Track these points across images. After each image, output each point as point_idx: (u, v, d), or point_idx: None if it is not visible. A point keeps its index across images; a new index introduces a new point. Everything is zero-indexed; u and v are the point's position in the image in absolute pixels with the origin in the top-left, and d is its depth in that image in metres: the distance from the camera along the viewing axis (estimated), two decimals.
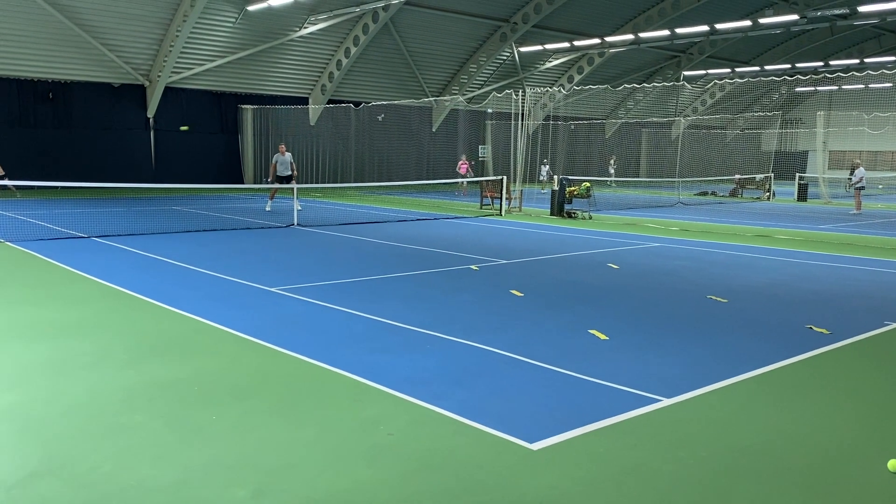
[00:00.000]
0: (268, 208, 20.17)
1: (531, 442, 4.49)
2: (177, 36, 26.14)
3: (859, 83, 39.27)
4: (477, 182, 25.13)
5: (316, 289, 9.11)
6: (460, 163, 29.90)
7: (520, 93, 22.75)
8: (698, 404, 5.26)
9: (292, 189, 18.73)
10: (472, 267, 11.12)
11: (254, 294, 8.79)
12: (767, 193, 30.16)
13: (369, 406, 5.09)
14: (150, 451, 4.28)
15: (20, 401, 5.04)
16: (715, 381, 5.74)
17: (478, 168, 36.18)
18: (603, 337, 7.01)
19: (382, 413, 4.96)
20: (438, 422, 4.82)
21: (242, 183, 30.74)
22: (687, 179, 33.57)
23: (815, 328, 7.49)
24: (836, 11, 28.36)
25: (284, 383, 5.57)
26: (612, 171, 37.36)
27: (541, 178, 32.05)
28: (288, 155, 20.19)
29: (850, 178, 23.81)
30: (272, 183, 20.26)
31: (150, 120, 28.74)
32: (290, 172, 20.06)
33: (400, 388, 5.41)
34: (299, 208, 17.52)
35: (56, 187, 24.31)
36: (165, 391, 5.31)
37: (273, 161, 20.15)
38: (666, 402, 5.26)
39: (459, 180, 28.83)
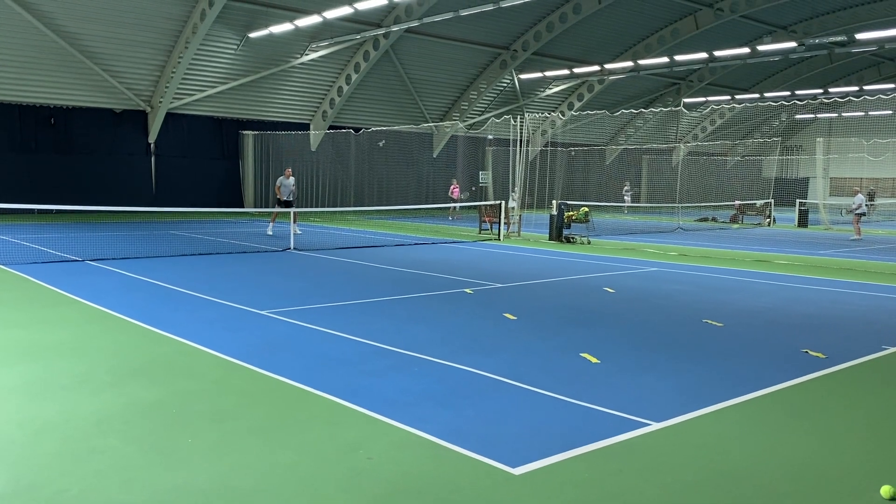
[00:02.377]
0: (269, 232, 20.15)
1: (513, 466, 4.37)
2: (178, 62, 26.33)
3: (859, 110, 39.43)
4: (474, 207, 25.13)
5: (307, 312, 9.02)
6: (452, 187, 29.93)
7: (518, 119, 22.79)
8: (687, 429, 5.13)
9: (292, 213, 18.73)
10: (467, 290, 11.03)
11: (243, 317, 8.69)
12: (768, 219, 30.10)
13: (350, 429, 4.98)
14: (121, 475, 4.16)
15: None
16: (706, 405, 5.61)
17: (479, 194, 36.24)
18: (594, 360, 6.90)
19: (363, 436, 4.84)
20: (420, 445, 4.70)
21: (243, 208, 30.76)
22: (687, 205, 33.57)
23: (811, 352, 7.37)
24: (834, 39, 28.55)
25: (265, 406, 5.46)
26: (627, 198, 36.90)
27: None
28: (292, 179, 20.30)
29: (850, 205, 23.81)
30: (276, 206, 20.28)
31: (152, 145, 28.84)
32: (292, 198, 20.13)
33: (383, 411, 5.29)
34: (298, 232, 17.48)
35: (52, 211, 24.30)
36: (143, 414, 5.20)
37: (277, 184, 20.23)
38: (654, 426, 5.13)
39: (451, 205, 28.95)
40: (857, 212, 23.14)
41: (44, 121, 26.45)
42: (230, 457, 4.47)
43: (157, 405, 5.38)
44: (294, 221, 18.18)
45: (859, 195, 23.30)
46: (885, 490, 4.03)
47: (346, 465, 4.36)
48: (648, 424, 5.15)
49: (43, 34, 23.88)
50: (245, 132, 31.42)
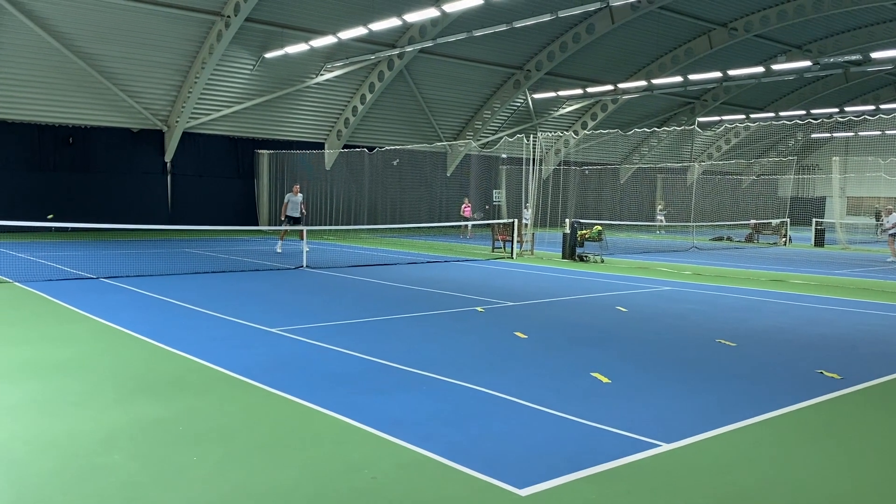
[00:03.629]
0: (278, 249, 20.19)
1: (520, 487, 4.30)
2: (195, 82, 26.63)
3: (875, 129, 39.18)
4: (487, 225, 25.10)
5: (317, 329, 9.00)
6: (464, 206, 29.91)
7: (531, 137, 22.82)
8: (698, 449, 5.04)
9: (301, 231, 18.79)
10: (478, 309, 10.97)
11: (253, 334, 8.68)
12: (784, 238, 29.84)
13: (356, 448, 4.93)
14: (123, 493, 4.14)
15: None
16: (717, 425, 5.52)
17: (493, 212, 36.23)
18: (605, 380, 6.81)
19: (368, 456, 4.79)
20: (425, 465, 4.65)
21: (258, 226, 30.93)
22: (702, 224, 33.36)
23: (825, 373, 7.25)
24: (850, 58, 28.39)
25: (270, 424, 5.43)
26: (660, 217, 35.60)
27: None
28: (300, 196, 20.34)
29: (881, 224, 23.32)
30: (283, 223, 20.37)
31: (168, 164, 29.11)
32: (299, 214, 20.19)
33: (389, 430, 5.24)
34: (307, 250, 17.51)
35: (67, 229, 24.51)
36: (148, 431, 5.18)
37: (285, 201, 20.30)
38: (665, 447, 5.05)
39: (463, 223, 28.90)
40: (892, 232, 22.72)
41: (62, 140, 26.79)
42: (234, 475, 4.43)
43: (163, 422, 5.37)
44: (303, 238, 18.19)
45: (894, 214, 22.90)
46: None
47: (350, 485, 4.31)
48: (658, 445, 5.06)
49: (62, 55, 24.25)
50: (260, 151, 31.66)
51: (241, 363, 7.16)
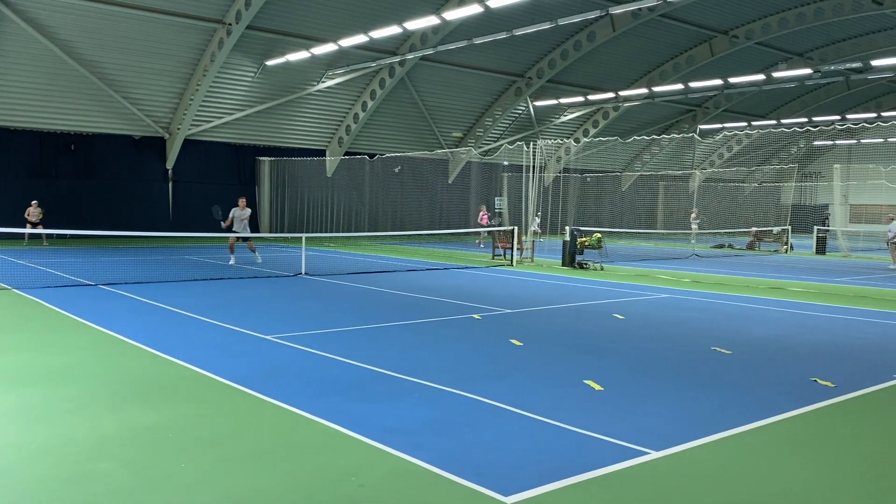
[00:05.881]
0: (232, 262, 18.26)
1: (506, 495, 4.31)
2: (197, 90, 26.73)
3: (877, 136, 39.17)
4: (489, 232, 25.09)
5: (312, 337, 9.02)
6: (481, 214, 29.85)
7: (531, 145, 22.86)
8: (688, 458, 5.04)
9: (250, 242, 17.66)
10: (475, 316, 10.98)
11: (248, 341, 8.70)
12: (785, 246, 29.81)
13: (345, 456, 4.94)
14: (113, 499, 4.15)
15: None
16: (707, 433, 5.52)
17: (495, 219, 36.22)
18: (598, 388, 6.82)
19: (358, 463, 4.80)
20: (414, 473, 4.66)
21: (259, 234, 30.94)
22: (703, 231, 33.33)
23: (819, 381, 7.24)
24: (851, 66, 28.44)
25: (261, 432, 5.44)
26: (694, 226, 33.81)
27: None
28: (248, 210, 18.45)
29: (887, 233, 23.28)
30: (230, 232, 18.37)
31: (169, 171, 29.19)
32: (243, 229, 18.42)
33: (379, 438, 5.25)
34: (260, 261, 16.94)
35: (66, 236, 24.55)
36: (139, 438, 5.20)
37: (231, 215, 18.21)
38: (654, 454, 5.05)
39: (478, 229, 28.73)
40: (895, 240, 22.70)
41: (64, 147, 26.88)
42: (222, 482, 4.44)
43: (155, 429, 5.38)
44: (254, 251, 17.33)
45: (895, 222, 22.88)
46: None
47: (339, 493, 4.32)
48: (648, 453, 5.07)
49: (64, 62, 24.37)
50: (262, 158, 31.74)
51: (235, 370, 7.18)
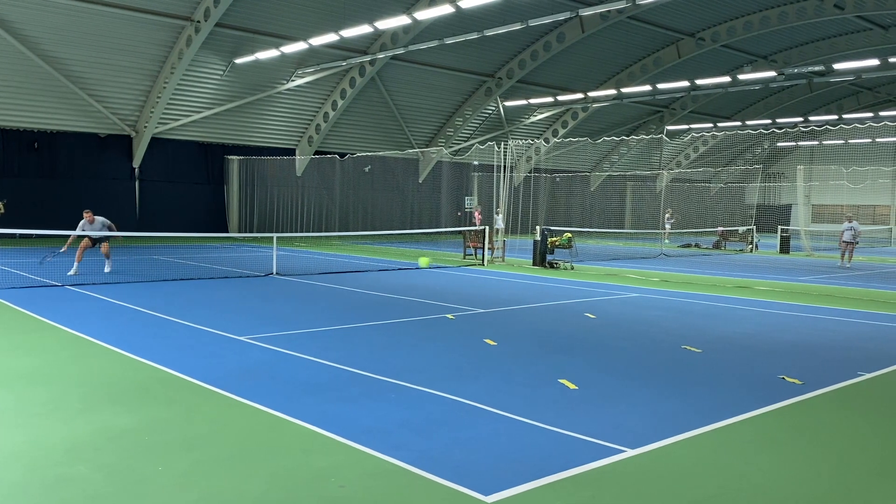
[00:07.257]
0: (73, 272, 15.46)
1: (486, 494, 4.34)
2: (164, 87, 26.37)
3: (839, 138, 40.04)
4: (459, 232, 25.11)
5: (285, 337, 8.97)
6: (476, 213, 29.77)
7: (502, 145, 22.96)
8: (662, 455, 5.13)
9: (105, 249, 16.38)
10: (448, 316, 11.01)
11: (220, 343, 8.63)
12: (750, 245, 30.33)
13: (323, 457, 4.94)
14: None
15: None
16: (681, 431, 5.61)
17: (465, 219, 36.27)
18: (572, 386, 6.89)
19: (336, 464, 4.80)
20: (393, 473, 4.67)
21: (227, 233, 30.66)
22: (671, 231, 33.77)
23: (787, 378, 7.40)
24: (813, 69, 29.01)
25: (237, 434, 5.41)
26: (668, 226, 34.26)
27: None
28: (99, 220, 16.49)
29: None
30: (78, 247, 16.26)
31: (136, 170, 28.76)
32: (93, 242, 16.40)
33: (357, 439, 5.25)
34: (108, 270, 15.96)
35: (32, 236, 24.07)
36: (114, 441, 5.13)
37: (80, 228, 16.23)
38: (629, 452, 5.13)
39: (468, 228, 28.70)
40: (846, 239, 23.29)
41: (28, 145, 26.33)
42: (199, 486, 4.41)
43: (129, 432, 5.32)
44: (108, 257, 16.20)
45: (846, 223, 23.46)
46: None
47: (317, 494, 4.32)
48: (623, 451, 5.14)
49: (28, 59, 23.87)
50: (230, 157, 31.42)
51: (209, 372, 7.12)
